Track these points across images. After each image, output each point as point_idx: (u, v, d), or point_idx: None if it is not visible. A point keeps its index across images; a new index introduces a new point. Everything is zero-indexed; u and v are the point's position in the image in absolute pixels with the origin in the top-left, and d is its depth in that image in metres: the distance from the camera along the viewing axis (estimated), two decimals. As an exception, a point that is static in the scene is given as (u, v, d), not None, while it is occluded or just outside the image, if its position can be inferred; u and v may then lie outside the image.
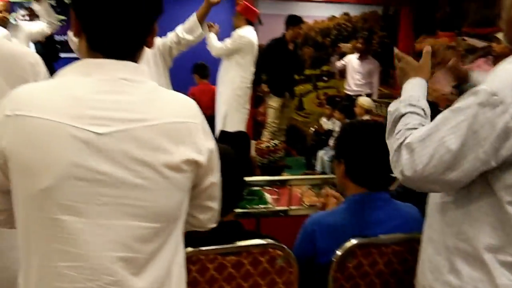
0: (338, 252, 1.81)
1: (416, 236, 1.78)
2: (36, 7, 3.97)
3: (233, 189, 1.78)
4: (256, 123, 7.48)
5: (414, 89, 1.67)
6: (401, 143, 1.48)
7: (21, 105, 1.18)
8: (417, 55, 1.81)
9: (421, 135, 1.44)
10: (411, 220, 1.94)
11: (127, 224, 1.19)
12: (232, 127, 5.24)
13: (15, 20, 5.20)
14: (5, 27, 4.47)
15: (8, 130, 1.17)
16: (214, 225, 1.47)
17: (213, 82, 6.26)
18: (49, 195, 1.15)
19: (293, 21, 6.33)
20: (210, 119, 4.46)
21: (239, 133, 5.12)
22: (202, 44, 5.72)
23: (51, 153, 1.14)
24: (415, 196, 2.20)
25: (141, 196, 1.19)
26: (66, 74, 1.24)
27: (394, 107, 1.62)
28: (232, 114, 5.51)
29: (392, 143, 1.53)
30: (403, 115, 1.57)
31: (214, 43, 5.39)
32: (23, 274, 1.25)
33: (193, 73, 6.74)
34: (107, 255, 1.18)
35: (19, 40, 4.63)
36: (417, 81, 1.70)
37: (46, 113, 1.15)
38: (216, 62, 5.92)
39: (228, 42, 5.41)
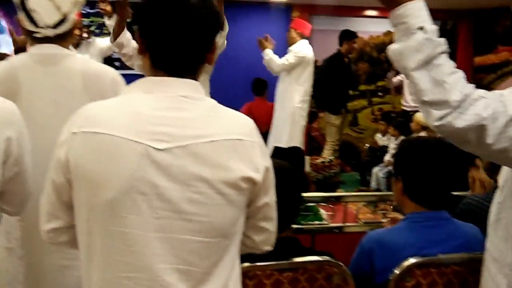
0: (396, 271, 1.78)
1: (477, 256, 1.73)
2: (108, 22, 4.13)
3: (291, 205, 1.78)
4: (310, 138, 7.46)
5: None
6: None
7: (87, 122, 1.24)
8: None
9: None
10: (472, 240, 1.89)
11: (184, 238, 1.21)
12: (289, 143, 5.26)
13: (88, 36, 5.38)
14: (78, 43, 4.63)
15: (74, 145, 1.23)
16: (270, 248, 1.47)
17: (269, 98, 6.31)
18: (111, 207, 1.20)
19: (348, 35, 6.32)
20: (264, 135, 4.48)
21: (293, 148, 5.13)
22: (256, 59, 5.80)
23: (114, 167, 1.19)
24: (476, 216, 2.15)
25: (197, 211, 1.21)
26: (130, 91, 1.29)
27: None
28: (291, 130, 5.51)
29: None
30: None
31: (275, 59, 5.43)
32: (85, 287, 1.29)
33: (252, 89, 6.77)
34: (164, 267, 1.21)
35: (91, 56, 4.81)
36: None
37: (109, 129, 1.21)
38: (269, 78, 5.97)
39: (288, 57, 5.44)
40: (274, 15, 7.47)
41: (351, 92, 7.17)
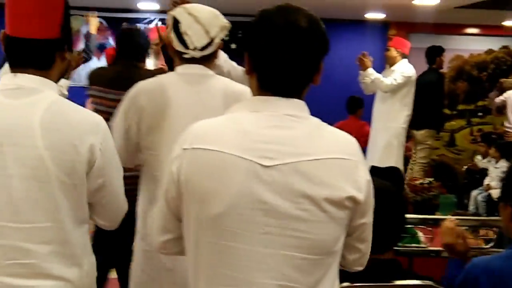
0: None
1: None
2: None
3: (393, 227, 1.75)
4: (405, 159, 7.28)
5: None
6: None
7: (197, 139, 1.30)
8: None
9: None
10: None
11: (288, 254, 1.23)
12: (390, 163, 5.15)
13: None
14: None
15: (186, 161, 1.29)
16: (360, 268, 1.46)
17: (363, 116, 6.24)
18: (218, 222, 1.24)
19: (438, 51, 6.15)
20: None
21: (391, 168, 5.02)
22: (351, 76, 5.75)
23: (222, 183, 1.24)
24: None
25: (301, 228, 1.23)
26: (237, 110, 1.34)
27: None
28: (393, 151, 5.40)
29: None
30: None
31: (382, 79, 5.32)
32: None
33: (346, 107, 6.71)
34: (268, 283, 1.23)
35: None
36: None
37: (218, 145, 1.26)
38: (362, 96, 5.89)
39: (397, 77, 5.30)
40: (370, 33, 7.41)
41: (448, 111, 6.94)
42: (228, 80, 2.24)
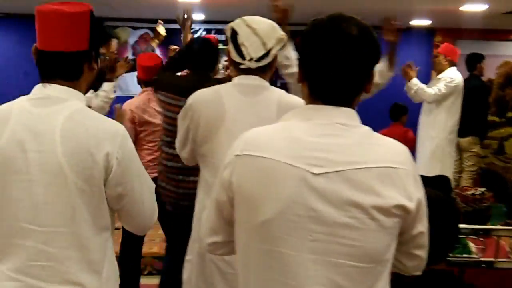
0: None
1: None
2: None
3: (446, 237, 1.74)
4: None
5: None
6: None
7: (249, 146, 1.34)
8: None
9: None
10: None
11: (337, 261, 1.25)
12: (438, 172, 5.05)
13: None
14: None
15: (237, 167, 1.33)
16: (419, 273, 1.47)
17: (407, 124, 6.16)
18: (268, 227, 1.27)
19: (478, 57, 6.04)
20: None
21: (439, 177, 4.92)
22: (395, 84, 5.68)
23: (272, 189, 1.27)
24: None
25: (350, 235, 1.24)
26: (289, 118, 1.37)
27: None
28: (442, 160, 5.32)
29: None
30: None
31: (426, 89, 5.24)
32: None
33: (390, 114, 6.64)
34: None
35: None
36: None
37: (269, 153, 1.29)
38: (408, 104, 5.81)
39: (441, 87, 5.23)
40: (416, 40, 7.32)
41: (496, 119, 6.77)
42: (283, 92, 2.30)
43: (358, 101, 1.37)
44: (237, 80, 2.25)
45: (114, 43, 5.49)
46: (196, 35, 7.69)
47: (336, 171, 1.25)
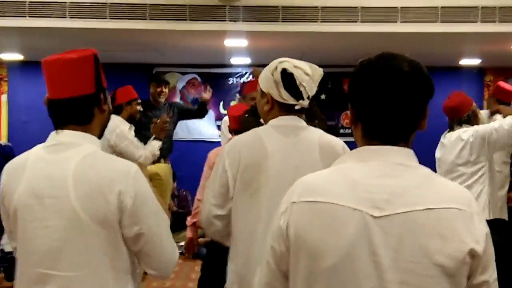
0: None
1: None
2: None
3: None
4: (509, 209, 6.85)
5: None
6: None
7: (306, 191, 1.28)
8: None
9: None
10: None
11: None
12: (493, 215, 4.86)
13: None
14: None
15: (294, 215, 1.27)
16: None
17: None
18: (329, 275, 1.21)
19: None
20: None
21: (497, 221, 4.71)
22: (444, 125, 5.55)
23: (334, 234, 1.20)
24: None
25: (413, 282, 1.17)
26: (345, 161, 1.32)
27: None
28: (494, 200, 5.14)
29: None
30: None
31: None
32: None
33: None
34: None
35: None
36: None
37: (328, 197, 1.23)
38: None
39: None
40: (466, 80, 7.19)
41: None
42: (321, 131, 2.25)
43: (412, 140, 1.31)
44: (275, 122, 2.20)
45: (165, 90, 5.54)
46: (242, 79, 7.80)
47: (398, 213, 1.19)
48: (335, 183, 1.26)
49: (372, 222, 1.19)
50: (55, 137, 1.69)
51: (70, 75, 1.64)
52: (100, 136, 1.75)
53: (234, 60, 7.45)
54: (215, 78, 7.90)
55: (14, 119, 7.71)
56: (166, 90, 5.50)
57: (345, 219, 1.20)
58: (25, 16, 4.93)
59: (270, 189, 2.12)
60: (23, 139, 7.04)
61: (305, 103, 2.15)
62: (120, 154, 4.30)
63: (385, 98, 1.25)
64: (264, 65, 2.30)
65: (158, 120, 4.55)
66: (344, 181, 1.25)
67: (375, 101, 1.26)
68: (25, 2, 4.90)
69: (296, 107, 2.16)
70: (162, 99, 5.45)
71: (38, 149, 1.69)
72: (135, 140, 4.44)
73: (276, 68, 2.18)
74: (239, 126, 3.85)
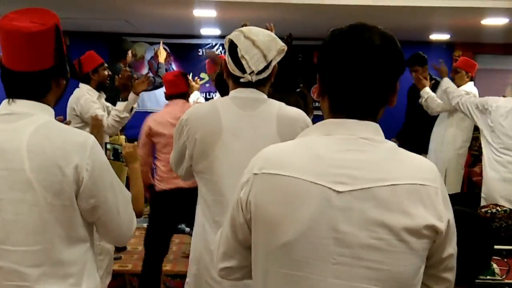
0: None
1: None
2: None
3: (478, 257, 1.64)
4: (470, 184, 6.99)
5: None
6: None
7: (268, 164, 1.25)
8: None
9: None
10: None
11: (362, 286, 1.16)
12: (449, 189, 4.97)
13: None
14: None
15: (255, 187, 1.25)
16: None
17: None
18: (287, 250, 1.18)
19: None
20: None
21: (457, 195, 4.82)
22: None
23: (293, 209, 1.18)
24: None
25: (376, 258, 1.16)
26: (309, 133, 1.29)
27: None
28: (451, 175, 5.23)
29: None
30: None
31: (436, 99, 5.13)
32: None
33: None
34: None
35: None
36: None
37: (289, 170, 1.21)
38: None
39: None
40: (435, 54, 7.22)
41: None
42: (282, 104, 2.21)
43: (381, 115, 1.29)
44: (234, 93, 2.16)
45: (129, 55, 5.49)
46: (212, 50, 7.70)
47: (361, 189, 1.17)
48: (298, 156, 1.23)
49: (334, 198, 1.17)
50: (7, 106, 1.61)
51: (29, 49, 1.56)
52: (53, 107, 1.69)
53: (204, 31, 7.33)
54: (185, 49, 7.78)
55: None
56: (129, 56, 5.56)
57: (306, 193, 1.18)
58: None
59: (225, 163, 2.10)
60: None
61: (250, 77, 2.07)
62: (87, 123, 4.21)
63: (354, 71, 1.22)
64: None
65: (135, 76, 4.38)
66: (307, 154, 1.22)
67: (344, 73, 1.23)
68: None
69: (241, 80, 2.09)
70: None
71: None
72: (101, 108, 4.32)
73: (228, 36, 2.13)
74: (173, 90, 3.96)
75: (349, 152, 1.21)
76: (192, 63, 7.78)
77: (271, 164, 1.25)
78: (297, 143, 1.28)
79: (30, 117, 1.58)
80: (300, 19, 6.02)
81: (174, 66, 7.81)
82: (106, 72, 4.44)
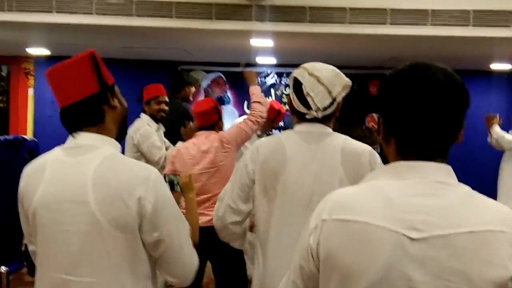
0: None
1: None
2: None
3: None
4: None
5: None
6: None
7: (337, 208, 1.20)
8: None
9: None
10: None
11: None
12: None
13: None
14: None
15: (325, 233, 1.20)
16: None
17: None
18: None
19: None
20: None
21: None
22: (474, 128, 5.43)
23: (366, 257, 1.13)
24: None
25: None
26: (377, 176, 1.24)
27: None
28: None
29: None
30: None
31: (506, 136, 5.07)
32: None
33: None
34: None
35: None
36: None
37: (360, 215, 1.16)
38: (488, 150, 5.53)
39: None
40: (496, 84, 7.03)
41: None
42: (348, 138, 2.19)
43: (448, 153, 1.24)
44: (299, 127, 2.17)
45: (192, 90, 5.52)
46: (267, 79, 7.74)
47: (437, 236, 1.11)
48: (369, 201, 1.18)
49: (408, 245, 1.11)
50: (72, 140, 1.66)
51: (70, 80, 1.63)
52: (119, 134, 1.73)
53: (259, 60, 7.38)
54: (240, 77, 7.84)
55: (39, 113, 7.75)
56: (192, 89, 5.51)
57: (379, 240, 1.13)
58: (52, 12, 4.94)
59: (289, 195, 2.08)
60: (48, 133, 7.12)
61: (315, 113, 2.08)
62: (143, 154, 4.28)
63: (422, 110, 1.18)
64: (290, 65, 2.24)
65: (191, 123, 4.30)
66: (379, 199, 1.17)
67: (411, 113, 1.19)
68: (52, -3, 4.91)
69: (307, 117, 2.10)
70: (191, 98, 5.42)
71: (57, 151, 1.67)
72: (158, 140, 4.38)
73: (293, 73, 2.15)
74: (203, 122, 3.77)
75: (423, 197, 1.15)
76: (247, 92, 7.83)
77: (340, 209, 1.20)
78: (367, 187, 1.23)
79: (96, 150, 1.62)
80: (356, 48, 5.99)
81: (229, 95, 7.89)
82: (157, 106, 4.48)
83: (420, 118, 1.18)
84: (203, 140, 3.73)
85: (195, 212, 2.23)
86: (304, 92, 2.07)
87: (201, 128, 3.83)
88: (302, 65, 2.17)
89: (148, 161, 4.11)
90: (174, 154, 3.79)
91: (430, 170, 1.18)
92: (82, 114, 1.65)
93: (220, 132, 3.81)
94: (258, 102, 3.94)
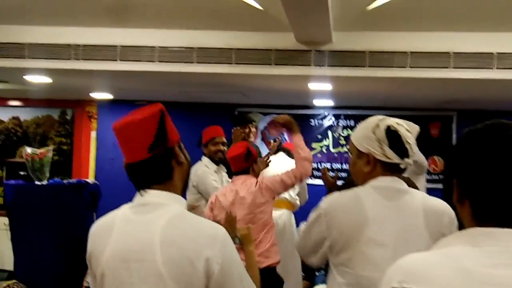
0: None
1: None
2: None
3: None
4: None
5: None
6: None
7: (408, 277, 1.13)
8: None
9: None
10: None
11: None
12: None
13: None
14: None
15: None
16: None
17: None
18: None
19: None
20: None
21: None
22: None
23: None
24: None
25: None
26: (451, 243, 1.17)
27: None
28: None
29: None
30: None
31: None
32: None
33: None
34: None
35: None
36: None
37: (434, 286, 1.09)
38: None
39: None
40: None
41: None
42: (425, 195, 2.13)
43: None
44: (376, 182, 2.11)
45: (253, 129, 5.44)
46: (324, 120, 7.70)
47: None
48: (443, 270, 1.11)
49: None
50: (139, 198, 1.67)
51: (139, 136, 1.62)
52: (184, 188, 1.73)
53: (316, 102, 7.37)
54: (297, 119, 7.75)
55: (101, 155, 7.97)
56: (253, 130, 5.31)
57: None
58: (116, 60, 5.10)
59: (370, 256, 2.01)
60: (109, 175, 7.28)
61: (410, 161, 2.06)
62: (202, 195, 4.31)
63: (502, 174, 1.11)
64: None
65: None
66: (453, 268, 1.10)
67: (489, 177, 1.12)
68: (116, 47, 5.07)
69: (402, 166, 2.08)
70: (252, 139, 5.25)
71: (124, 209, 1.68)
72: (215, 181, 4.40)
73: (377, 125, 2.10)
74: (235, 167, 3.77)
75: (503, 267, 1.08)
76: (304, 134, 7.78)
77: (412, 277, 1.13)
78: (440, 254, 1.16)
79: (164, 207, 1.62)
80: (416, 91, 5.89)
81: (286, 137, 7.88)
82: (214, 148, 4.54)
83: (499, 182, 1.12)
84: (239, 186, 3.73)
85: (255, 265, 2.19)
86: (404, 140, 2.07)
87: (237, 173, 3.85)
88: (376, 118, 2.16)
89: (207, 201, 4.15)
90: (212, 200, 3.80)
91: (510, 238, 1.11)
92: (152, 171, 1.65)
93: (260, 178, 3.80)
94: (308, 161, 3.86)
